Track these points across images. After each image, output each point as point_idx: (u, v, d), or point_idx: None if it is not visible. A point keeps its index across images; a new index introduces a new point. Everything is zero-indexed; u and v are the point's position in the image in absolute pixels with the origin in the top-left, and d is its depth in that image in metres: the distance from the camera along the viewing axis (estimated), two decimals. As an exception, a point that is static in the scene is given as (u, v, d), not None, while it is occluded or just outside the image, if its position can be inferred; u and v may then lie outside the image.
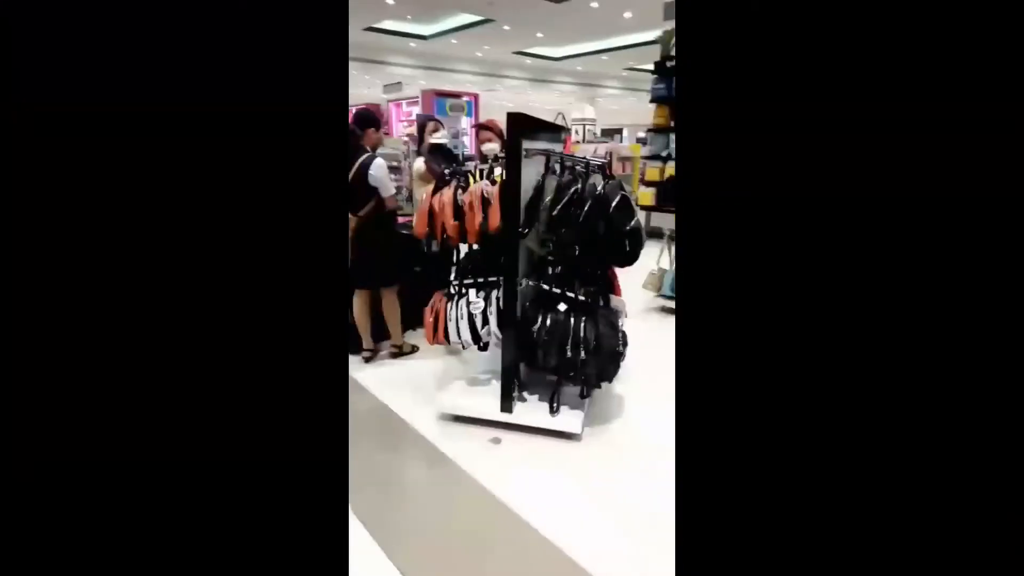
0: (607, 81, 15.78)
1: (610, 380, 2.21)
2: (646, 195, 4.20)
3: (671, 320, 3.87)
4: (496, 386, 2.36)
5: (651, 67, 4.17)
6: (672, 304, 3.97)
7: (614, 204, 1.95)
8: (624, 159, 7.72)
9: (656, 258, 4.05)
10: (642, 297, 4.10)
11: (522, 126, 2.04)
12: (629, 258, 2.02)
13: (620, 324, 2.25)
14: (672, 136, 4.14)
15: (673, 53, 4.09)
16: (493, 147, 2.87)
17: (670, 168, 4.13)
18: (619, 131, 15.04)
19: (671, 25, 4.20)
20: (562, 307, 2.21)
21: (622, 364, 2.22)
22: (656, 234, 4.12)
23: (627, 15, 8.83)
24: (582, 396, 2.31)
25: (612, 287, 2.51)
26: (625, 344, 2.21)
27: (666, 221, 4.07)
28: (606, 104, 17.75)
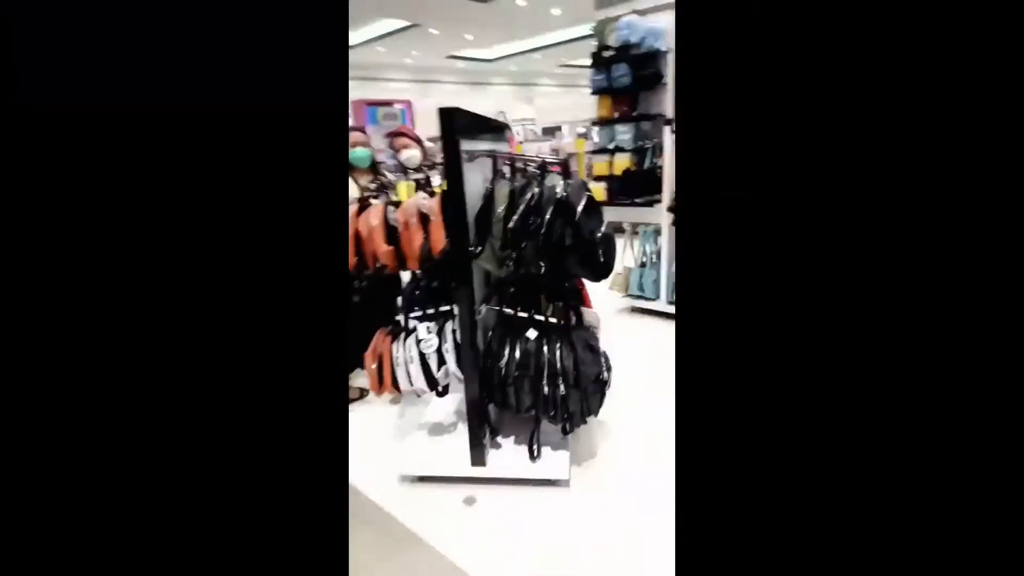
0: (543, 79, 15.80)
1: (596, 413, 1.88)
2: (597, 191, 3.97)
3: (645, 321, 3.65)
4: (464, 430, 1.99)
5: (586, 62, 3.97)
6: (642, 304, 3.75)
7: (580, 208, 1.63)
8: (569, 155, 7.54)
9: (620, 256, 3.81)
10: (610, 299, 3.85)
11: (457, 124, 1.69)
12: (604, 270, 1.70)
13: (599, 344, 1.94)
14: (617, 127, 3.97)
15: (609, 42, 3.90)
16: (414, 154, 2.57)
17: (619, 160, 3.96)
18: (558, 128, 15.05)
19: (605, 14, 4.00)
20: (531, 334, 1.87)
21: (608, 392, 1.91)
22: (616, 230, 3.90)
23: (555, 12, 8.70)
24: (565, 433, 1.98)
25: (581, 298, 2.19)
26: (609, 368, 1.89)
27: (623, 215, 3.86)
28: (543, 103, 17.75)
